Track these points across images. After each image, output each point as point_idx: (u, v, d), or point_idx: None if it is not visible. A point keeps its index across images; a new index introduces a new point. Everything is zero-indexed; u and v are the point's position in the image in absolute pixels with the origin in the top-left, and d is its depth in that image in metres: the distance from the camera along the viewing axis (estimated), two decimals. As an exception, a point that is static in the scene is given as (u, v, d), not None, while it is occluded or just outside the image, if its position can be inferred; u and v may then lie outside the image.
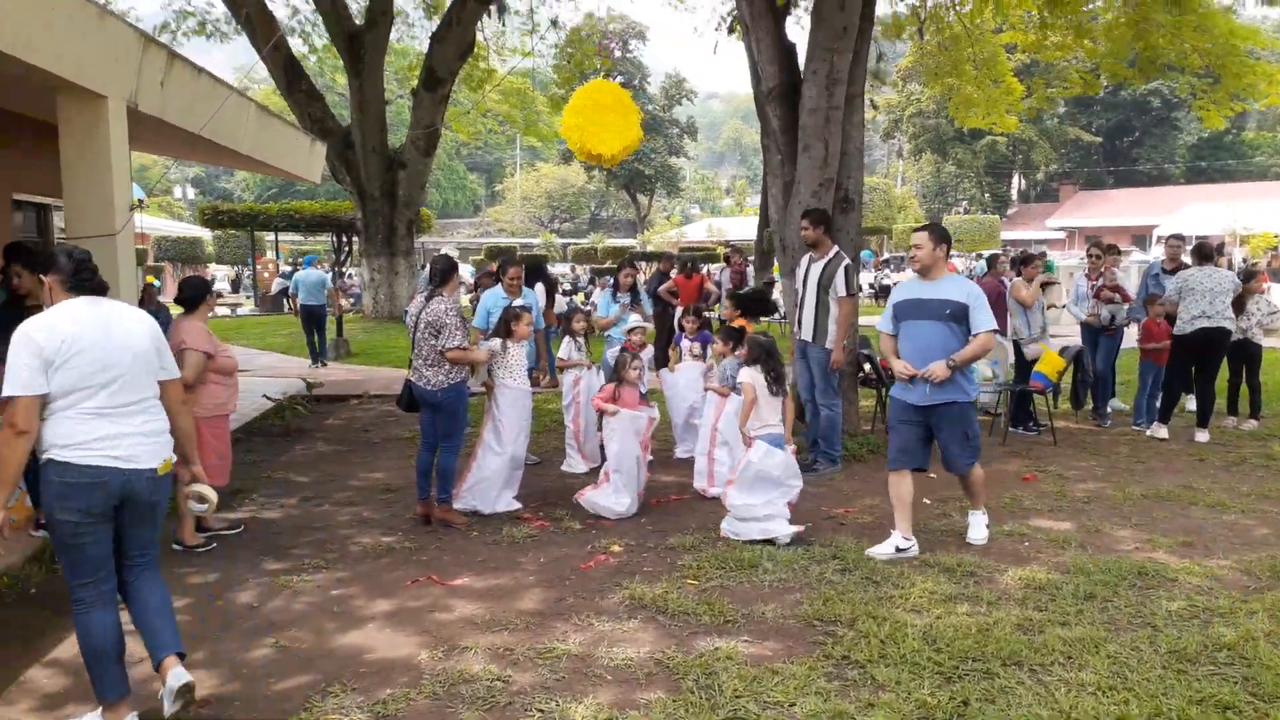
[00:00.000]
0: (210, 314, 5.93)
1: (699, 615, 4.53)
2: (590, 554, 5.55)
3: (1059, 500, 6.58)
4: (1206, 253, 8.53)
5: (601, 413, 6.48)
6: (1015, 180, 64.88)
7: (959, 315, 5.30)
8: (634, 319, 7.54)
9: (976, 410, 5.39)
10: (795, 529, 5.66)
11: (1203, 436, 8.34)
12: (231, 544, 5.81)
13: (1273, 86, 12.18)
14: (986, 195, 60.38)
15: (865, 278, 35.02)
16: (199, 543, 5.70)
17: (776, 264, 12.81)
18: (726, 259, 13.77)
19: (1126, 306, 9.02)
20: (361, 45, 20.88)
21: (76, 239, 6.47)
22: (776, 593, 4.86)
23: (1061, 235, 52.67)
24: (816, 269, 7.42)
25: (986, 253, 35.39)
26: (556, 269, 37.88)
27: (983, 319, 5.30)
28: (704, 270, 14.86)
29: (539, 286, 12.65)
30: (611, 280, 9.49)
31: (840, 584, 4.94)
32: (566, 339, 7.59)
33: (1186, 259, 9.34)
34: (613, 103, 6.99)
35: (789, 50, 8.58)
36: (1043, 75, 29.79)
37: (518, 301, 6.70)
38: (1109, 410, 9.39)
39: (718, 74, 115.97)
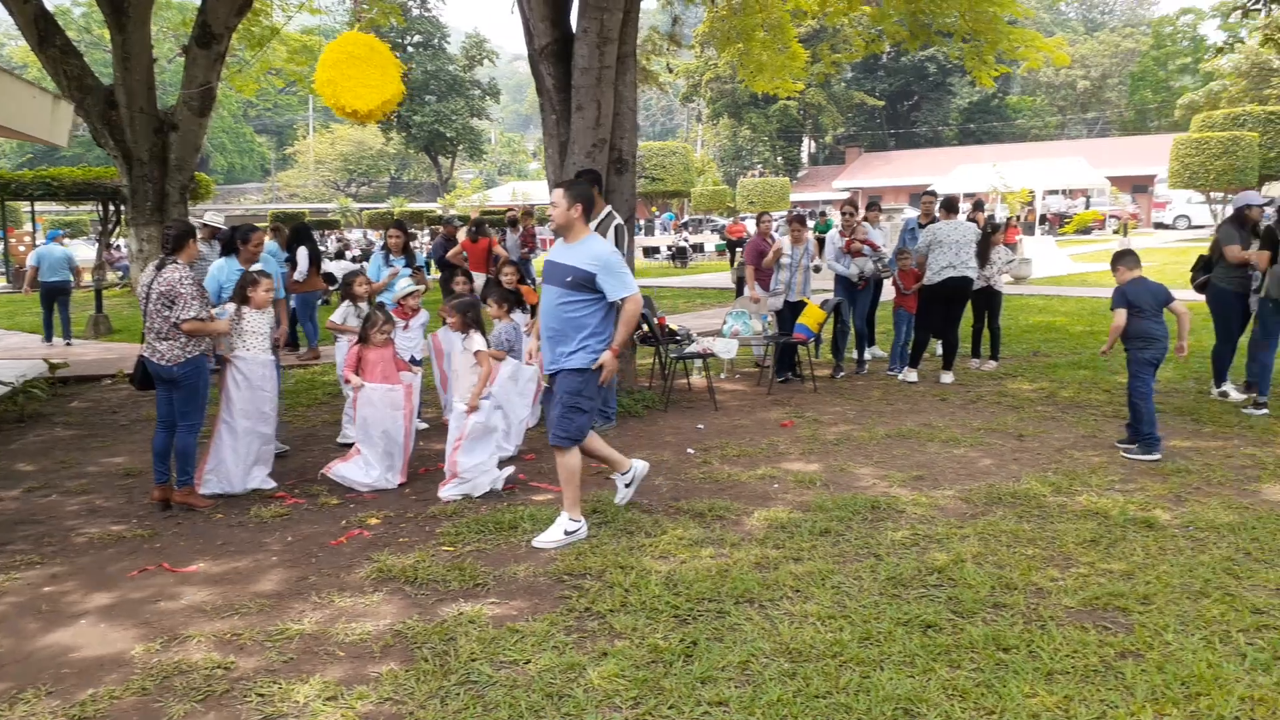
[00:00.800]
0: None
1: (448, 582, 4.44)
2: (343, 529, 5.33)
3: (811, 444, 6.90)
4: (952, 206, 9.12)
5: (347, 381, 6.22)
6: (806, 143, 67.72)
7: (581, 283, 4.85)
8: (404, 284, 7.25)
9: (591, 385, 4.92)
10: (509, 471, 6.02)
11: (947, 378, 8.98)
12: (-69, 545, 5.21)
13: (1030, 51, 13.20)
14: (779, 158, 62.78)
15: (664, 240, 35.68)
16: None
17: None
18: (513, 222, 13.55)
19: (877, 258, 9.49)
20: (124, -4, 19.04)
21: None
22: (532, 551, 4.84)
23: (847, 195, 55.33)
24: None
25: (776, 215, 36.82)
26: (352, 235, 36.37)
27: (614, 286, 4.84)
28: (493, 234, 14.61)
29: (302, 251, 12.12)
30: (380, 244, 9.11)
31: (596, 537, 4.98)
32: (345, 303, 7.24)
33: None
34: (368, 55, 6.62)
35: (561, 6, 8.45)
36: (828, 40, 31.04)
37: (256, 266, 6.29)
38: (867, 358, 9.96)
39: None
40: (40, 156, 54.24)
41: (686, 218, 46.18)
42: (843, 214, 9.47)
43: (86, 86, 20.40)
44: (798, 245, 9.05)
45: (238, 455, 5.95)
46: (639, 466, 5.47)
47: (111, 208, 27.97)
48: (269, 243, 13.28)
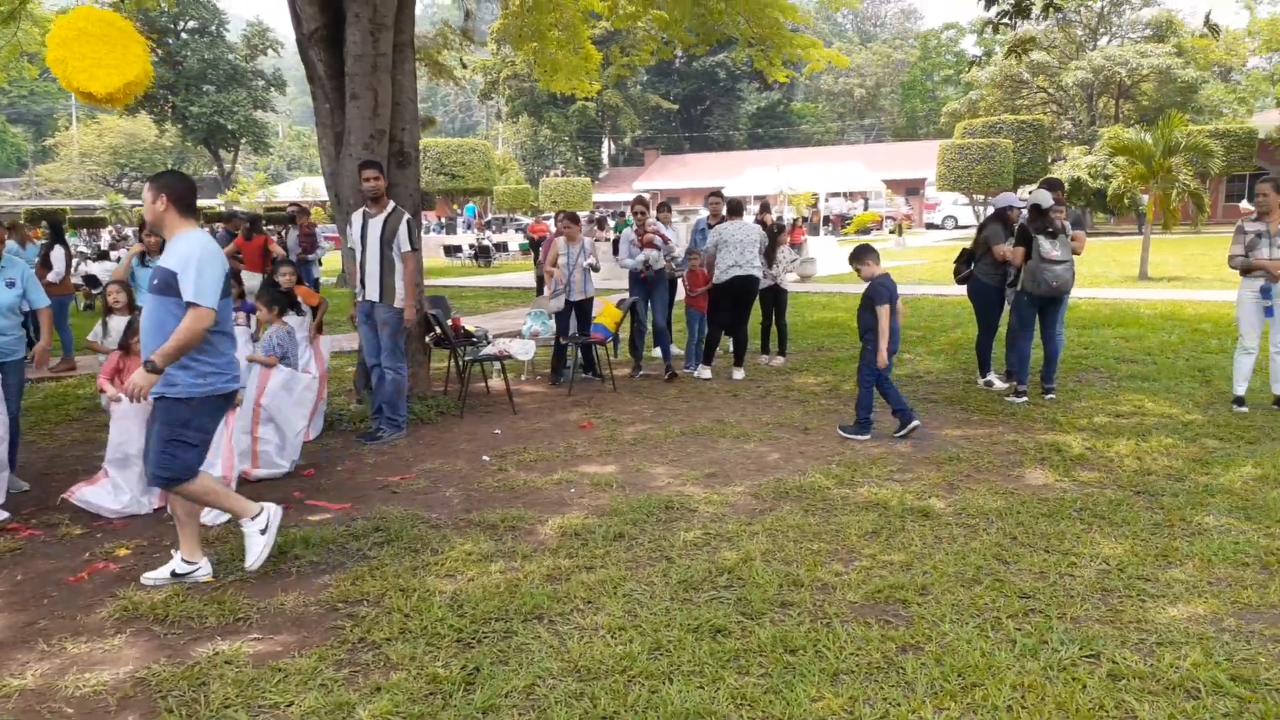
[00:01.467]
0: None
1: (204, 618, 4.00)
2: (86, 563, 4.74)
3: (609, 444, 6.81)
4: (737, 208, 9.31)
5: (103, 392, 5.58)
6: (606, 144, 68.46)
7: (166, 285, 4.18)
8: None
9: (187, 412, 4.22)
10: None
11: (739, 374, 9.16)
12: None
13: (811, 54, 13.76)
14: (581, 158, 63.13)
15: (467, 238, 34.95)
16: None
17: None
18: (292, 219, 12.77)
19: (667, 250, 9.47)
20: None
21: None
22: (304, 578, 4.46)
23: (646, 196, 56.39)
24: (376, 225, 6.97)
25: (582, 215, 36.95)
26: (129, 232, 33.43)
27: (186, 287, 4.11)
28: (268, 233, 13.72)
29: (58, 250, 10.94)
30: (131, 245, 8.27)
31: (377, 558, 4.65)
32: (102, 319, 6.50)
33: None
34: (104, 31, 5.90)
35: (330, -11, 7.96)
36: (620, 43, 31.37)
37: None
38: (676, 354, 10.01)
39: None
40: None
41: (490, 216, 45.51)
42: (634, 213, 9.48)
43: None
44: (573, 244, 8.94)
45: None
46: (271, 510, 4.53)
47: None
48: (9, 242, 11.89)
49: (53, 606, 4.21)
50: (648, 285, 9.42)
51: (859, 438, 6.72)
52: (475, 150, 45.00)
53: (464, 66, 32.63)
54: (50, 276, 10.65)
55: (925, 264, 23.84)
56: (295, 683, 3.41)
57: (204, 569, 4.43)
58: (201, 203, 48.86)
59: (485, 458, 6.56)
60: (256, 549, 4.41)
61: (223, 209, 39.48)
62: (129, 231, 35.94)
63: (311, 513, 5.50)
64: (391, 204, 7.10)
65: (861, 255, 6.82)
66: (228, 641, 3.79)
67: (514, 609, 3.97)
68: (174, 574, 4.37)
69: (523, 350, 8.27)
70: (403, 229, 7.01)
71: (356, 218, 7.15)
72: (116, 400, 5.45)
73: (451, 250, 30.79)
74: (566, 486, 5.83)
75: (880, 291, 6.63)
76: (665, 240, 9.32)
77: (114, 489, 5.39)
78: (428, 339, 8.45)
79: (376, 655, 3.62)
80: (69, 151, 62.35)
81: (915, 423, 6.69)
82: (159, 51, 47.92)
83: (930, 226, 44.60)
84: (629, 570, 4.39)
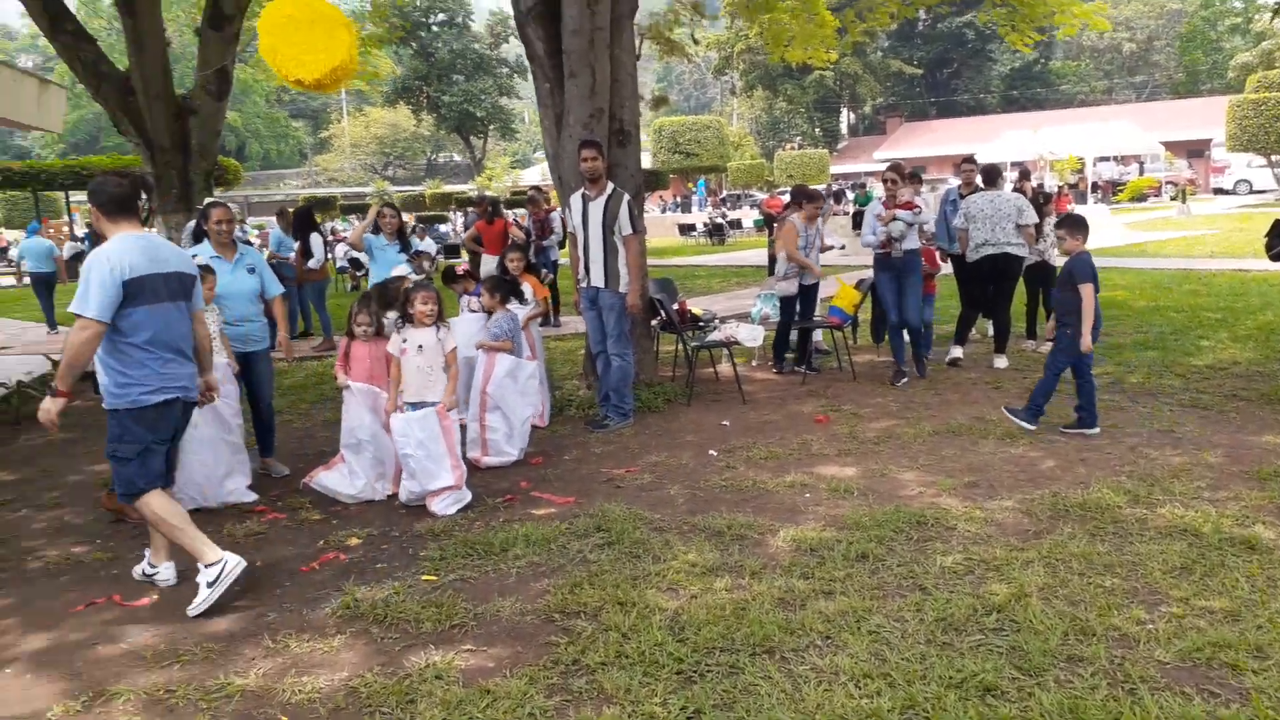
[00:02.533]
0: None
1: (421, 622, 3.84)
2: (319, 551, 4.76)
3: (849, 442, 6.20)
4: (991, 176, 8.34)
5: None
6: (844, 114, 66.18)
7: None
8: (399, 269, 6.65)
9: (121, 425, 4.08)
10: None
11: (1001, 363, 8.19)
12: None
13: (1067, 17, 12.31)
14: (818, 130, 61.37)
15: (700, 216, 34.80)
16: None
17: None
18: (532, 200, 12.90)
19: (916, 217, 8.50)
20: (133, -22, 18.70)
21: None
22: (522, 581, 4.22)
23: (902, 163, 54.10)
24: (596, 209, 6.74)
25: (820, 188, 35.84)
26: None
27: (76, 295, 3.94)
28: (509, 216, 13.94)
29: (316, 237, 11.58)
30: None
31: (597, 563, 4.35)
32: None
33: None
34: (310, 17, 5.91)
35: (547, -38, 7.75)
36: (857, 7, 29.96)
37: (201, 259, 5.59)
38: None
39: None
40: (76, 147, 54.65)
41: (724, 193, 45.13)
42: (885, 183, 8.64)
43: (102, 73, 20.17)
44: (810, 224, 8.25)
45: (206, 466, 5.40)
46: (230, 562, 4.09)
47: (142, 196, 27.90)
48: (275, 231, 12.78)
49: (283, 598, 4.21)
50: (894, 268, 8.50)
51: (1026, 425, 6.16)
52: (709, 127, 44.78)
53: (696, 43, 32.36)
54: (310, 263, 11.30)
55: (1216, 234, 21.01)
56: (504, 709, 3.13)
57: (229, 566, 4.09)
58: (453, 188, 51.89)
59: (712, 452, 6.14)
60: (199, 599, 4.05)
61: (473, 194, 41.60)
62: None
63: (536, 505, 5.31)
64: (610, 186, 6.78)
65: (1074, 226, 6.05)
66: (441, 651, 3.59)
67: (741, 638, 3.52)
68: (208, 585, 4.07)
69: (750, 336, 7.75)
70: (624, 211, 6.70)
71: (576, 200, 6.91)
72: (346, 387, 5.48)
73: (686, 229, 30.70)
74: (800, 491, 5.29)
75: (1085, 268, 5.85)
76: (914, 210, 8.44)
77: (349, 474, 5.44)
78: (654, 323, 8.15)
79: (590, 683, 3.28)
80: (341, 142, 68.08)
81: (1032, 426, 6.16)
82: (412, 45, 51.13)
83: (1219, 192, 39.68)
84: (875, 600, 3.81)
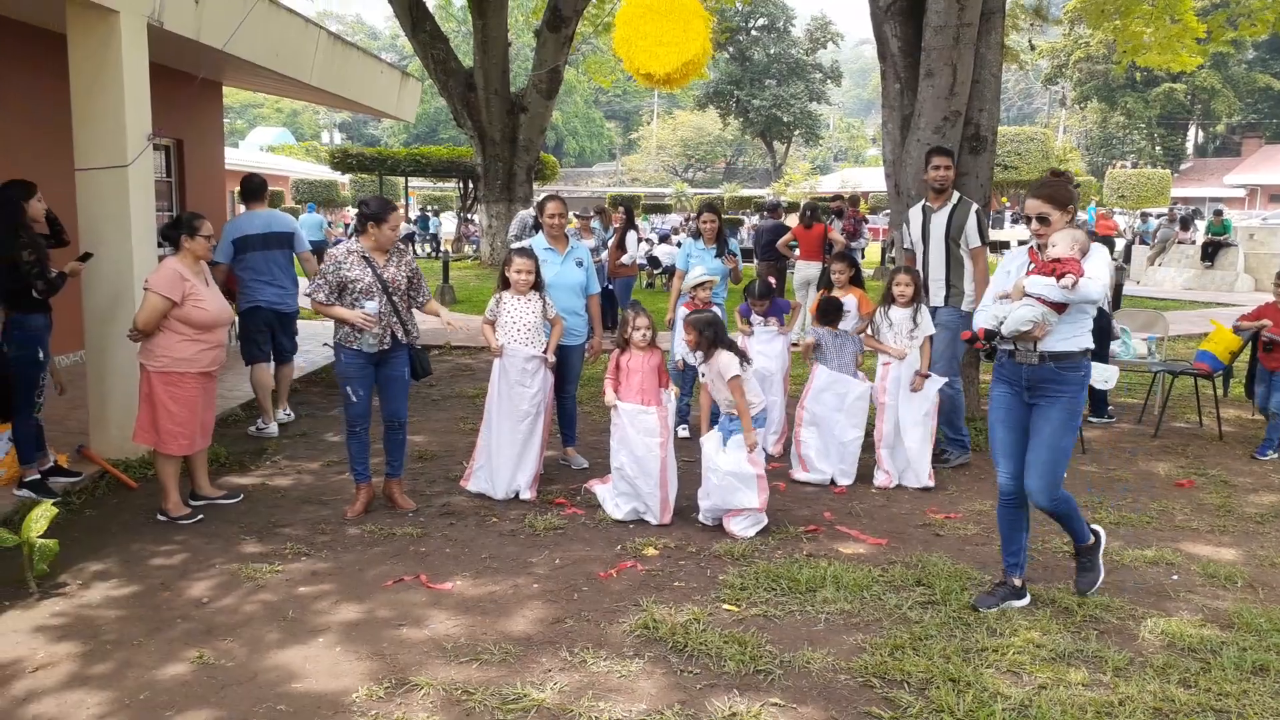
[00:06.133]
0: (204, 256, 5.15)
1: (723, 659, 3.51)
2: (617, 558, 4.59)
3: (1222, 517, 5.19)
4: None
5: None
6: (1192, 132, 59.33)
7: None
8: (698, 272, 6.35)
9: None
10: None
11: None
12: (222, 517, 5.13)
13: None
14: (1157, 148, 55.47)
15: (1014, 234, 32.38)
16: (184, 514, 5.04)
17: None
18: (839, 211, 12.35)
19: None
20: (487, -17, 20.26)
21: (85, 170, 5.89)
22: (833, 630, 3.79)
23: (1241, 193, 47.81)
24: (940, 219, 6.16)
25: (1155, 211, 32.20)
26: (668, 220, 36.25)
27: None
28: (829, 221, 13.43)
29: (631, 235, 11.70)
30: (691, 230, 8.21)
31: (920, 624, 3.82)
32: None
33: None
34: (669, 9, 5.77)
35: (913, -44, 7.20)
36: (1228, 12, 26.50)
37: (536, 251, 5.60)
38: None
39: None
40: (422, 136, 60.46)
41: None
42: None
43: (450, 70, 21.97)
44: None
45: (501, 456, 5.42)
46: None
47: (470, 185, 30.25)
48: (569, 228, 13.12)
49: (581, 604, 4.06)
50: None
51: None
52: (1033, 139, 41.68)
53: (1031, 49, 30.09)
54: (624, 259, 11.44)
55: None
56: (819, 791, 2.72)
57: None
58: (751, 192, 51.95)
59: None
60: None
61: (768, 199, 41.46)
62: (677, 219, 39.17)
63: (843, 541, 4.86)
64: (956, 195, 6.19)
65: None
66: (746, 700, 3.24)
67: (1111, 755, 2.88)
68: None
69: (1103, 378, 6.74)
70: (971, 221, 6.09)
71: (915, 214, 6.36)
72: (614, 406, 5.19)
73: (998, 246, 28.71)
74: (1166, 570, 4.44)
75: None
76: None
77: (614, 494, 5.20)
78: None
79: (921, 777, 2.80)
80: (648, 144, 70.52)
81: None
82: (729, 50, 51.75)
83: None
84: (1287, 733, 3.02)
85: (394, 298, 5.04)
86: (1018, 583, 4.03)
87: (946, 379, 5.82)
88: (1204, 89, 50.91)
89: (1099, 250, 3.82)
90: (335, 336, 5.11)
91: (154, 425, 4.96)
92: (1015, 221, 38.09)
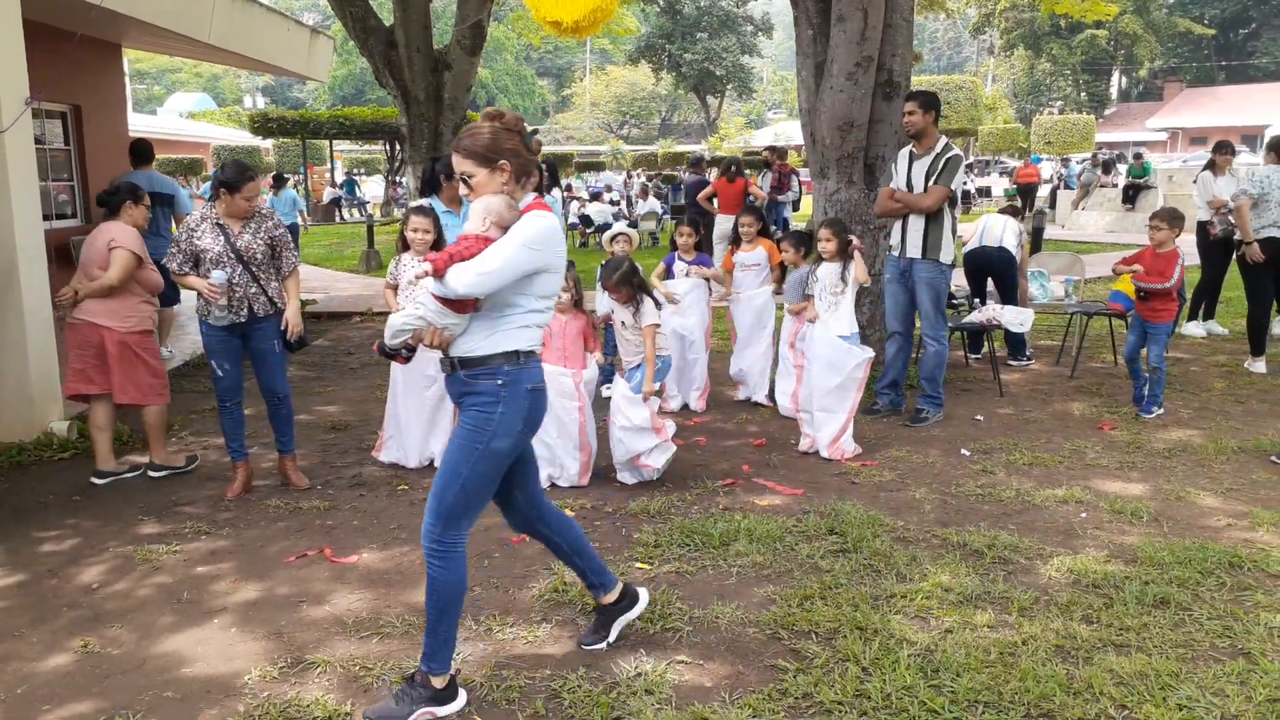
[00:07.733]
0: (141, 225, 5.24)
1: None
2: (530, 520, 4.50)
3: (1132, 454, 5.28)
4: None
5: None
6: (1115, 78, 60.36)
7: None
8: (617, 226, 6.25)
9: None
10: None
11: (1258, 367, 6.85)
12: (122, 496, 4.93)
13: None
14: (1083, 94, 56.32)
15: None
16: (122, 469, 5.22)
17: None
18: (767, 163, 12.33)
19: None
20: (398, -67, 19.59)
21: (-45, 137, 5.53)
22: (745, 584, 3.76)
23: (1163, 136, 48.85)
24: (921, 167, 5.89)
25: (1078, 157, 32.70)
26: (606, 177, 35.99)
27: None
28: (757, 174, 13.35)
29: (555, 192, 11.48)
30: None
31: (831, 573, 3.81)
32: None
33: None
34: None
35: (822, -104, 7.05)
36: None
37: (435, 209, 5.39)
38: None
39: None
40: (344, 100, 58.91)
41: (972, 158, 42.30)
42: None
43: (370, 27, 21.28)
44: None
45: (410, 424, 5.27)
46: None
47: (396, 147, 29.54)
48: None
49: (491, 571, 3.97)
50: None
51: None
52: (962, 88, 42.08)
53: (957, -4, 30.18)
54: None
55: None
56: (719, 748, 2.69)
57: None
58: (685, 147, 51.71)
59: (965, 451, 5.41)
60: None
61: (703, 153, 41.26)
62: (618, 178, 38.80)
63: (759, 494, 4.83)
64: (942, 141, 5.91)
65: None
66: (653, 658, 3.19)
67: (1010, 694, 2.89)
68: None
69: (1017, 320, 6.80)
70: (960, 173, 5.88)
71: (903, 157, 6.10)
72: None
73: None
74: (1076, 509, 4.50)
75: None
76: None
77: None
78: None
79: (823, 728, 2.78)
80: (581, 101, 69.64)
81: None
82: (660, 2, 51.10)
83: None
84: (1181, 663, 3.06)
85: (251, 268, 4.73)
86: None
87: (871, 354, 5.46)
88: (1126, 35, 51.67)
89: (533, 221, 2.83)
90: (194, 308, 4.88)
91: (134, 382, 5.10)
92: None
